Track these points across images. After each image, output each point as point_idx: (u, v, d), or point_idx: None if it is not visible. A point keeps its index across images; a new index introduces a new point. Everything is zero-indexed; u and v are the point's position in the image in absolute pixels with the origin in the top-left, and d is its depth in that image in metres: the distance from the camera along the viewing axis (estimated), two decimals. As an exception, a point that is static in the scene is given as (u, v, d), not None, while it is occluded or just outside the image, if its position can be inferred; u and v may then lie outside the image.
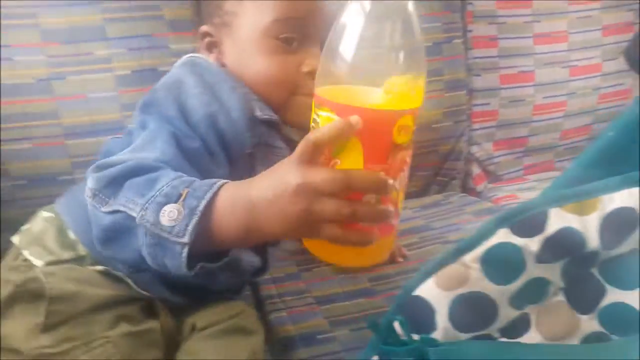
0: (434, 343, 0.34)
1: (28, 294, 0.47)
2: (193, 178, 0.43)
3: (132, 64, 0.83)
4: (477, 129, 1.08)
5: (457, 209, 0.96)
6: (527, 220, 0.33)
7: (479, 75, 1.07)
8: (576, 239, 0.33)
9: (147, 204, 0.40)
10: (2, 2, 0.76)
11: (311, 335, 0.60)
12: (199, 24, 0.63)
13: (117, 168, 0.43)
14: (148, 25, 0.83)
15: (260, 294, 0.70)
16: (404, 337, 0.36)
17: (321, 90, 0.37)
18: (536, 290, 0.35)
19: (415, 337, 0.35)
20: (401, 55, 0.36)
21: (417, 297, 0.37)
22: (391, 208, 0.37)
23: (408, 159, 0.37)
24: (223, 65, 0.60)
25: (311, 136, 0.37)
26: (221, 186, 0.41)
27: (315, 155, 0.37)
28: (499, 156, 1.11)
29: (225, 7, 0.59)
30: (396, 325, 0.37)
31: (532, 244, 0.34)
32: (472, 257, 0.33)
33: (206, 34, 0.62)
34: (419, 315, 0.36)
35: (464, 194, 1.05)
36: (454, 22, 1.03)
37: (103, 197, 0.43)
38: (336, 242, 0.38)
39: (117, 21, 0.82)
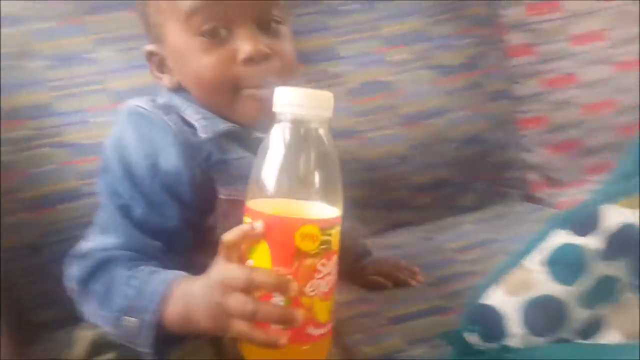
0: (508, 350, 0.35)
1: None
2: (143, 281, 0.44)
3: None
4: (528, 136, 1.07)
5: (520, 218, 0.95)
6: (583, 220, 0.34)
7: (520, 82, 1.06)
8: (637, 233, 0.33)
9: (109, 320, 0.45)
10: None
11: (389, 354, 0.61)
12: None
13: (81, 272, 0.47)
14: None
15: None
16: (477, 347, 0.37)
17: (250, 202, 0.39)
18: (606, 289, 0.35)
19: (490, 345, 0.36)
20: (316, 184, 0.38)
21: (486, 305, 0.38)
22: (299, 313, 0.36)
23: (322, 268, 0.37)
24: (178, 85, 0.55)
25: (223, 237, 0.38)
26: (166, 293, 0.43)
27: (229, 254, 0.38)
28: (556, 160, 1.08)
29: (150, 20, 0.55)
30: (470, 336, 0.38)
31: (595, 242, 0.34)
32: (535, 261, 0.34)
33: (151, 54, 0.57)
34: (490, 323, 0.37)
35: (526, 203, 1.03)
36: (488, 36, 1.04)
37: (77, 299, 0.48)
38: (243, 339, 0.38)
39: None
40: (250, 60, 0.49)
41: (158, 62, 0.56)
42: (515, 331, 0.35)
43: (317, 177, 0.38)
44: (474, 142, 1.02)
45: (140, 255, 0.47)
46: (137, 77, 0.83)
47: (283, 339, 0.35)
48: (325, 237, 0.37)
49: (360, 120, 0.96)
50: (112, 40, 0.84)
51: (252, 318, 0.36)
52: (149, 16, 0.55)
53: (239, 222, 0.38)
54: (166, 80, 0.56)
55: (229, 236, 0.38)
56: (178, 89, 0.55)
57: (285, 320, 0.36)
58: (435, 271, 0.79)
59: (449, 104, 1.01)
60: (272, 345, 0.36)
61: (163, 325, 0.42)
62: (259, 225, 0.37)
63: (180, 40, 0.52)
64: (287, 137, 0.37)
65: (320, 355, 0.39)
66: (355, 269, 0.77)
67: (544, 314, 0.35)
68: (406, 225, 1.00)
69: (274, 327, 0.36)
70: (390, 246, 0.91)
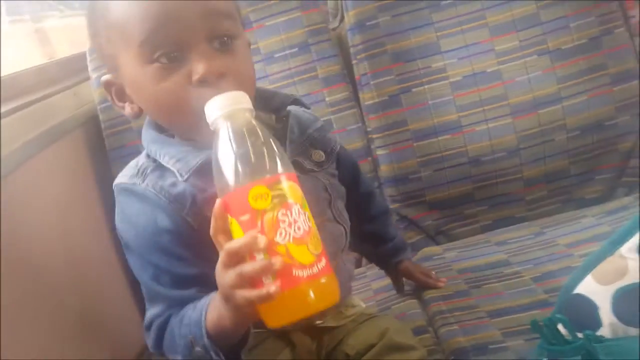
0: (599, 339, 0.34)
1: None
2: (190, 317, 0.49)
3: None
4: (661, 119, 0.95)
5: (648, 209, 0.85)
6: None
7: (651, 60, 0.95)
8: None
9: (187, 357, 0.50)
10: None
11: (483, 345, 0.61)
12: None
13: (151, 337, 0.54)
14: (307, 85, 0.98)
15: (430, 310, 0.73)
16: (568, 337, 0.36)
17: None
18: None
19: (581, 335, 0.35)
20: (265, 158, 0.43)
21: (578, 295, 0.37)
22: (275, 258, 0.39)
23: (284, 217, 0.41)
24: (140, 112, 0.55)
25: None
26: (206, 315, 0.48)
27: (219, 246, 0.43)
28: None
29: (105, 51, 0.54)
30: (561, 325, 0.37)
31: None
32: (628, 248, 0.33)
33: (109, 84, 0.56)
34: (582, 313, 0.36)
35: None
36: (612, 12, 0.95)
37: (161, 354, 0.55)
38: (247, 305, 0.41)
39: (282, 88, 0.98)
40: (204, 81, 0.48)
41: (117, 92, 0.55)
42: (606, 320, 0.34)
43: (260, 154, 0.43)
44: (594, 129, 0.94)
45: (185, 305, 0.52)
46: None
47: (273, 287, 0.38)
48: (276, 192, 0.41)
49: (465, 113, 0.95)
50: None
51: (242, 281, 0.40)
52: (102, 47, 0.54)
53: None
54: (127, 109, 0.56)
55: (210, 231, 0.43)
56: (140, 115, 0.56)
57: (266, 268, 0.39)
58: (542, 266, 0.76)
59: (565, 91, 0.94)
60: (268, 297, 0.39)
61: (217, 338, 0.47)
62: (218, 202, 0.42)
63: (135, 69, 0.50)
64: (225, 134, 0.43)
65: (326, 295, 0.42)
66: (389, 262, 0.79)
67: (634, 303, 0.33)
68: (517, 221, 0.96)
69: (266, 282, 0.40)
70: (498, 242, 0.89)
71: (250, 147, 0.43)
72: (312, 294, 0.41)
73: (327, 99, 0.97)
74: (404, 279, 0.80)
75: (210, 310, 0.48)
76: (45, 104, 0.77)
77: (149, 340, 0.55)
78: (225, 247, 0.41)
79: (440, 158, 0.96)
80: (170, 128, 0.55)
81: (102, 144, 0.87)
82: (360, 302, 0.70)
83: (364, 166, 0.98)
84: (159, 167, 0.54)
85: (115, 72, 0.54)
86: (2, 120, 0.66)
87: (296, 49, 0.97)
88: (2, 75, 0.78)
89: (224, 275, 0.42)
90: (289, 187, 0.43)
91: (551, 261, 0.77)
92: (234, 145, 0.43)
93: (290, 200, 0.42)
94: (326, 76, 0.97)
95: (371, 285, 0.88)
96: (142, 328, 0.56)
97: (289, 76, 0.97)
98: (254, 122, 0.45)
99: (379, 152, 0.98)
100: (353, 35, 0.97)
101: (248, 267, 0.40)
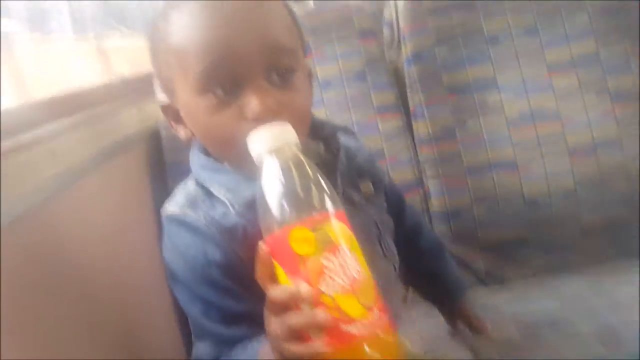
0: None
1: None
2: (240, 355, 0.49)
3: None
4: None
5: None
6: None
7: None
8: None
9: None
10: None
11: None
12: None
13: None
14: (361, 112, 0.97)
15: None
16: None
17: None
18: None
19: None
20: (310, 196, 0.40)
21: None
22: (319, 311, 0.37)
23: (328, 263, 0.38)
24: (192, 137, 0.55)
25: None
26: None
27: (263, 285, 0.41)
28: None
29: (163, 73, 0.53)
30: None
31: None
32: None
33: (166, 109, 0.56)
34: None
35: None
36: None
37: None
38: (296, 357, 0.39)
39: (337, 113, 0.98)
40: (258, 119, 0.46)
41: (173, 114, 0.55)
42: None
43: (304, 192, 0.40)
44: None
45: (235, 344, 0.50)
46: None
47: (320, 344, 0.37)
48: (321, 234, 0.38)
49: (521, 151, 0.93)
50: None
51: (288, 333, 0.38)
52: (160, 69, 0.54)
53: None
54: (181, 131, 0.55)
55: (256, 274, 0.41)
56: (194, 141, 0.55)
57: (312, 322, 0.37)
58: (601, 318, 0.73)
59: (625, 134, 0.92)
60: (316, 355, 0.37)
61: None
62: (262, 246, 0.40)
63: (189, 97, 0.49)
64: (269, 170, 0.41)
65: (382, 351, 0.38)
66: (444, 301, 0.76)
67: None
68: (573, 269, 0.92)
69: (314, 336, 0.37)
70: (552, 289, 0.86)
71: (293, 185, 0.40)
72: (366, 350, 0.38)
73: (380, 127, 0.97)
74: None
75: (261, 353, 0.46)
76: (109, 119, 0.78)
77: None
78: (269, 295, 0.40)
79: (495, 196, 0.94)
80: (223, 159, 0.53)
81: (162, 161, 0.88)
82: (406, 343, 0.68)
83: (414, 197, 0.97)
84: (209, 196, 0.52)
85: (172, 96, 0.54)
86: (66, 135, 0.68)
87: (352, 77, 0.97)
88: (68, 90, 0.80)
89: (270, 323, 0.40)
90: (335, 227, 0.40)
91: (611, 314, 0.74)
92: (276, 183, 0.40)
93: (337, 243, 0.39)
94: (380, 105, 0.97)
95: (418, 324, 0.85)
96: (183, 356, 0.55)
97: (344, 103, 0.97)
98: (300, 156, 0.42)
99: (431, 184, 0.96)
100: (409, 66, 0.97)
101: (293, 319, 0.38)
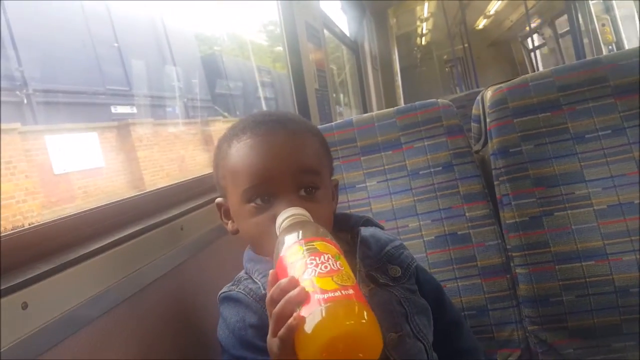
0: None
1: None
2: None
3: (435, 231, 1.06)
4: None
5: None
6: None
7: None
8: None
9: None
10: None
11: None
12: None
13: None
14: (447, 200, 1.06)
15: None
16: None
17: None
18: None
19: None
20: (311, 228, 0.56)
21: None
22: (295, 290, 0.46)
23: (310, 260, 0.48)
24: (238, 231, 0.70)
25: None
26: None
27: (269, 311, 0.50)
28: None
29: (220, 182, 0.71)
30: None
31: None
32: None
33: (220, 205, 0.72)
34: None
35: None
36: None
37: None
38: (283, 342, 0.46)
39: (425, 200, 1.08)
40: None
41: (225, 211, 0.72)
42: None
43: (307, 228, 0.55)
44: None
45: None
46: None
47: (296, 318, 0.44)
48: (308, 247, 0.50)
49: (611, 241, 0.95)
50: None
51: (278, 324, 0.46)
52: (218, 177, 0.71)
53: None
54: (230, 226, 0.72)
55: (266, 300, 0.51)
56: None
57: (289, 299, 0.46)
58: None
59: None
60: (293, 324, 0.44)
61: None
62: (271, 272, 0.51)
63: (237, 204, 0.67)
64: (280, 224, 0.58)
65: (350, 317, 0.43)
66: None
67: None
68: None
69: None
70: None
71: (296, 227, 0.56)
72: (332, 316, 0.43)
73: (467, 214, 1.04)
74: None
75: None
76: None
77: None
78: (266, 300, 0.50)
79: (584, 284, 0.95)
80: (260, 252, 0.68)
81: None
82: None
83: (502, 283, 1.01)
84: (251, 279, 0.67)
85: (225, 198, 0.71)
86: (199, 211, 0.85)
87: (440, 168, 1.07)
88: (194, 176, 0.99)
89: (269, 338, 0.49)
90: (322, 244, 0.51)
91: None
92: (284, 232, 0.56)
93: (321, 250, 0.50)
94: (467, 193, 1.05)
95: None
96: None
97: (432, 191, 1.07)
98: (309, 218, 0.59)
99: (519, 270, 1.00)
100: (496, 159, 1.04)
101: (275, 309, 0.47)
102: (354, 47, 3.04)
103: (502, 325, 1.01)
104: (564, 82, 1.02)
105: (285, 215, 0.59)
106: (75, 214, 0.67)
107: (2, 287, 0.47)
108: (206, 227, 0.87)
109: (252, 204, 0.65)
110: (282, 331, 0.46)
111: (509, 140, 1.03)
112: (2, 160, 5.20)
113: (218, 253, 0.90)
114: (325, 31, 2.26)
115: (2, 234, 0.55)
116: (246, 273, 0.69)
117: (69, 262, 0.56)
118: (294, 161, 0.65)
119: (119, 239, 0.64)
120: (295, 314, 0.45)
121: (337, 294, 0.44)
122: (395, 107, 1.15)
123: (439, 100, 1.12)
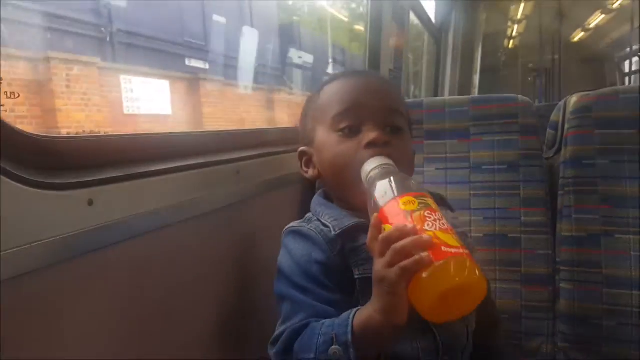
0: None
1: None
2: (332, 320, 0.57)
3: (485, 229, 1.03)
4: None
5: None
6: None
7: None
8: None
9: (317, 356, 0.56)
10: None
11: None
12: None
13: (281, 342, 0.60)
14: (505, 200, 1.03)
15: None
16: None
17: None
18: None
19: None
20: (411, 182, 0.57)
21: None
22: (425, 236, 0.48)
23: (429, 215, 0.51)
24: (319, 176, 0.73)
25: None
26: (354, 317, 0.55)
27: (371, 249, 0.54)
28: None
29: (308, 127, 0.74)
30: None
31: None
32: None
33: (303, 154, 0.75)
34: None
35: None
36: None
37: None
38: (402, 274, 0.48)
39: (482, 196, 1.05)
40: (372, 144, 0.65)
41: (306, 160, 0.75)
42: None
43: (407, 181, 0.57)
44: None
45: (326, 318, 0.60)
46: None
47: (426, 254, 0.47)
48: (422, 200, 0.52)
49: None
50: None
51: (397, 256, 0.49)
52: (306, 125, 0.75)
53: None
54: (310, 172, 0.74)
55: (367, 241, 0.54)
56: (317, 182, 0.75)
57: (417, 242, 0.48)
58: None
59: None
60: (421, 261, 0.47)
61: (360, 341, 0.54)
62: (375, 216, 0.53)
63: (324, 135, 0.70)
64: (379, 173, 0.59)
65: (471, 273, 0.48)
66: None
67: None
68: None
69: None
70: None
71: (399, 176, 0.58)
72: (458, 267, 0.47)
73: (522, 218, 1.01)
74: None
75: (359, 312, 0.56)
76: (281, 157, 0.96)
77: (274, 349, 0.62)
78: (380, 237, 0.51)
79: (630, 313, 0.91)
80: (336, 188, 0.72)
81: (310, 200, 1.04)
82: None
83: (542, 294, 0.98)
84: (320, 222, 0.69)
85: (310, 144, 0.74)
86: (257, 160, 0.88)
87: (505, 166, 1.04)
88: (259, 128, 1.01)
89: (379, 262, 0.51)
90: (433, 202, 0.54)
91: None
92: (388, 177, 0.57)
93: (434, 207, 0.52)
94: (527, 197, 1.02)
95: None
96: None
97: (491, 188, 1.05)
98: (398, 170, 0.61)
99: (563, 285, 0.97)
100: (566, 168, 1.00)
101: (401, 242, 0.49)
102: (438, 36, 2.95)
103: (533, 336, 0.99)
104: (657, 100, 0.96)
105: (380, 163, 0.61)
106: (144, 134, 0.71)
107: (71, 181, 0.51)
108: (261, 177, 0.89)
109: (340, 134, 0.68)
110: (408, 262, 0.48)
111: (584, 150, 0.99)
112: (78, 91, 5.48)
113: (271, 203, 0.93)
114: (412, 15, 2.21)
115: (77, 135, 0.59)
116: (314, 215, 0.72)
117: (136, 174, 0.59)
118: (384, 97, 0.70)
119: (179, 166, 0.67)
120: (426, 254, 0.48)
121: (461, 251, 0.49)
122: (471, 96, 1.12)
123: (519, 96, 1.08)
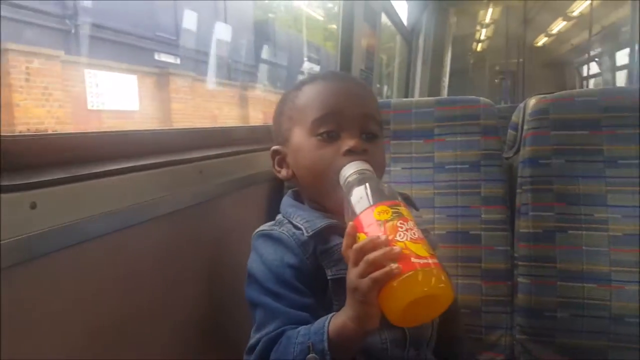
0: None
1: None
2: (307, 328, 0.58)
3: (448, 227, 1.07)
4: None
5: None
6: None
7: None
8: None
9: None
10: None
11: None
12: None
13: (257, 352, 0.61)
14: (467, 199, 1.07)
15: None
16: None
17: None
18: None
19: None
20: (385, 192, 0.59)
21: None
22: (395, 248, 0.51)
23: (401, 225, 0.53)
24: (292, 176, 0.73)
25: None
26: (329, 324, 0.57)
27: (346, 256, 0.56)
28: None
29: (284, 126, 0.74)
30: None
31: None
32: None
33: (276, 152, 0.75)
34: None
35: None
36: None
37: None
38: (373, 285, 0.50)
39: (444, 195, 1.09)
40: (351, 151, 0.66)
41: (279, 159, 0.75)
42: None
43: (381, 189, 0.58)
44: None
45: (300, 325, 0.61)
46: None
47: (396, 267, 0.49)
48: (395, 210, 0.54)
49: (617, 268, 0.95)
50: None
51: (368, 268, 0.51)
52: (281, 124, 0.74)
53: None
54: (283, 172, 0.75)
55: (342, 249, 0.56)
56: (289, 180, 0.75)
57: (388, 254, 0.50)
58: None
59: None
60: (390, 273, 0.49)
61: (336, 347, 0.56)
62: (350, 224, 0.55)
63: (302, 139, 0.70)
64: (356, 179, 0.61)
65: (438, 282, 0.50)
66: None
67: None
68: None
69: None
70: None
71: (376, 184, 0.59)
72: (426, 278, 0.50)
73: (482, 216, 1.05)
74: None
75: (334, 320, 0.58)
76: (249, 156, 0.97)
77: (250, 358, 0.62)
78: (354, 247, 0.53)
79: (581, 304, 0.96)
80: (310, 191, 0.72)
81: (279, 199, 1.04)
82: None
83: (501, 288, 1.02)
84: (291, 223, 0.70)
85: (284, 144, 0.74)
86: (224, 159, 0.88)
87: (467, 166, 1.08)
88: (225, 126, 1.01)
89: (353, 271, 0.53)
90: (405, 210, 0.56)
91: None
92: (363, 184, 0.59)
93: (407, 217, 0.55)
94: (488, 195, 1.05)
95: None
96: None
97: (453, 187, 1.08)
98: (375, 177, 0.64)
99: (521, 280, 1.01)
100: (524, 167, 1.04)
101: (373, 254, 0.51)
102: (409, 38, 3.00)
103: (492, 329, 1.03)
104: (609, 103, 1.01)
105: (358, 168, 0.63)
106: (96, 132, 0.69)
107: (12, 184, 0.48)
108: (226, 176, 0.89)
109: (319, 138, 0.68)
110: (378, 274, 0.50)
111: (541, 151, 1.03)
112: (39, 85, 5.26)
113: (238, 202, 0.93)
114: (383, 16, 2.24)
115: (21, 134, 0.56)
116: (284, 217, 0.72)
117: (85, 175, 0.56)
118: (363, 104, 0.72)
119: (135, 166, 0.65)
120: (395, 265, 0.50)
121: (429, 261, 0.51)
122: (437, 97, 1.15)
123: (481, 98, 1.12)
